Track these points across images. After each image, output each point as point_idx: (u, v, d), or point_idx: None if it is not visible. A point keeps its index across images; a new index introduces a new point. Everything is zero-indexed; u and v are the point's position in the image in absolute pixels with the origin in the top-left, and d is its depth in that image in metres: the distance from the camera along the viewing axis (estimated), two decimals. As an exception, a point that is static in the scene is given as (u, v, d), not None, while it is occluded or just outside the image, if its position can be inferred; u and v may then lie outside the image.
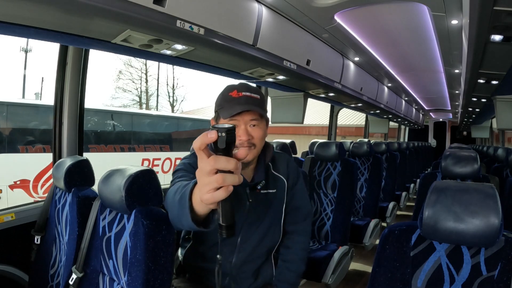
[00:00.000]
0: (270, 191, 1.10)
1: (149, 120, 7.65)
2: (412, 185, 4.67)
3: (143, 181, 0.94)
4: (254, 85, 1.30)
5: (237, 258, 1.08)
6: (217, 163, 0.49)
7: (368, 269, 2.62)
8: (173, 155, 7.62)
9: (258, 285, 1.14)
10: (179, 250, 1.19)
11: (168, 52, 1.46)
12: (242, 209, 1.05)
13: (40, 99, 10.29)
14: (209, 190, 0.50)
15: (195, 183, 0.61)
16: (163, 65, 17.44)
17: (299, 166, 2.34)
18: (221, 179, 0.49)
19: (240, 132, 0.96)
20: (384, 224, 3.08)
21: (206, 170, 0.50)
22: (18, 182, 5.18)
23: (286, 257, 1.18)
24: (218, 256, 0.96)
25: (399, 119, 6.29)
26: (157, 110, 16.81)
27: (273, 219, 1.12)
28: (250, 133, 0.97)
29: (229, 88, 1.00)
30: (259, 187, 1.07)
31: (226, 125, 0.50)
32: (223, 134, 0.49)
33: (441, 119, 8.93)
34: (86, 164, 1.35)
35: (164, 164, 7.48)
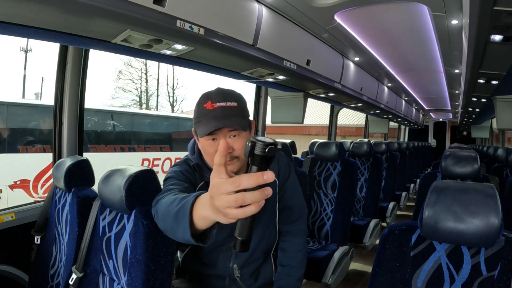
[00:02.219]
0: None
1: (149, 120, 7.65)
2: (412, 185, 4.67)
3: (143, 181, 0.94)
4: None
5: (235, 263, 1.07)
6: (241, 182, 0.47)
7: (368, 269, 2.62)
8: (173, 155, 7.62)
9: (259, 285, 1.13)
10: (178, 253, 1.19)
11: (168, 52, 1.46)
12: None
13: (40, 99, 10.28)
14: (230, 208, 0.48)
15: (196, 197, 0.61)
16: (163, 65, 17.43)
17: (299, 166, 2.35)
18: (241, 199, 0.47)
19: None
20: (384, 224, 3.07)
21: (226, 190, 0.48)
22: (18, 182, 5.18)
23: (283, 262, 1.14)
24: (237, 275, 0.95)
25: (399, 119, 6.29)
26: (157, 110, 16.81)
27: (268, 220, 1.10)
28: (231, 145, 0.91)
29: (204, 98, 0.93)
30: None
31: (265, 140, 0.49)
32: (266, 150, 0.48)
33: (441, 119, 8.93)
34: (86, 164, 1.35)
35: (164, 164, 7.47)
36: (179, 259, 1.18)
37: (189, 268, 1.14)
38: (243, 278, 1.09)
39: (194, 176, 1.01)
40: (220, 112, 0.90)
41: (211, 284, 1.11)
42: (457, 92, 4.48)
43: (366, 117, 6.05)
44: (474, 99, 3.24)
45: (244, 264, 1.08)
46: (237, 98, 0.94)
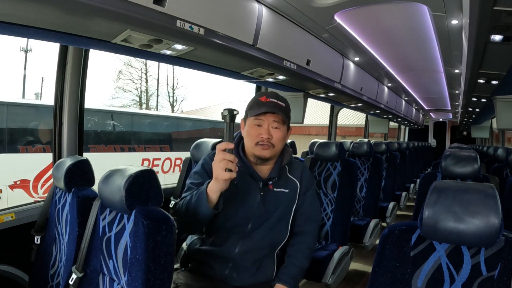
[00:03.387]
0: (283, 190, 1.18)
1: (149, 120, 7.65)
2: (412, 185, 4.66)
3: (143, 181, 0.94)
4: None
5: (242, 245, 1.13)
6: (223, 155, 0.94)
7: (368, 269, 2.62)
8: (173, 155, 7.61)
9: (258, 280, 1.16)
10: (188, 238, 1.24)
11: (168, 52, 1.46)
12: (253, 200, 1.14)
13: (40, 99, 10.28)
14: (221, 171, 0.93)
15: (207, 183, 0.99)
16: (163, 65, 17.42)
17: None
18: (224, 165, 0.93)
19: (262, 131, 1.10)
20: (384, 224, 3.07)
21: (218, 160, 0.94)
22: (18, 182, 5.19)
23: (290, 253, 1.23)
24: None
25: (399, 119, 6.29)
26: (157, 110, 16.81)
27: (281, 216, 1.18)
28: (271, 133, 1.10)
29: (261, 94, 1.14)
30: (270, 183, 1.17)
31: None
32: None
33: (441, 119, 8.93)
34: (86, 164, 1.34)
35: (164, 164, 7.47)
36: (185, 246, 1.23)
37: (197, 249, 1.17)
38: (245, 265, 1.14)
39: None
40: (272, 104, 1.10)
41: (213, 270, 1.14)
42: (457, 92, 4.48)
43: (366, 117, 6.05)
44: (474, 99, 3.24)
45: (249, 250, 1.13)
46: (287, 102, 1.15)
